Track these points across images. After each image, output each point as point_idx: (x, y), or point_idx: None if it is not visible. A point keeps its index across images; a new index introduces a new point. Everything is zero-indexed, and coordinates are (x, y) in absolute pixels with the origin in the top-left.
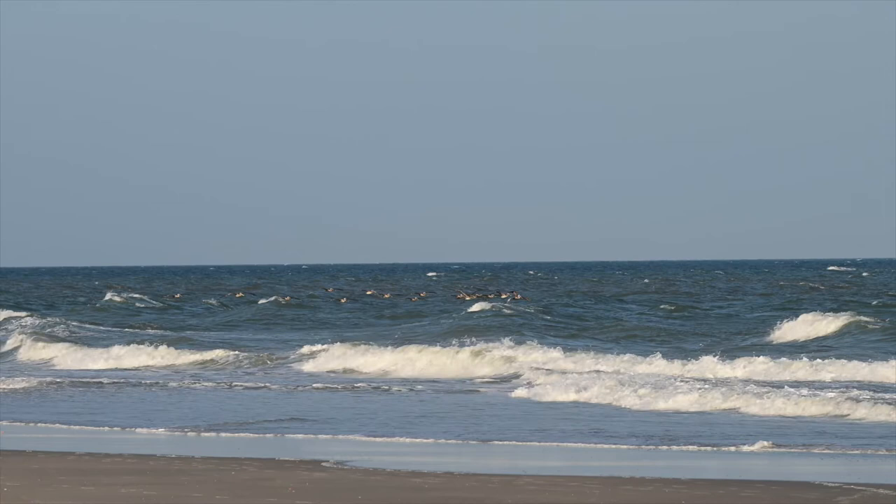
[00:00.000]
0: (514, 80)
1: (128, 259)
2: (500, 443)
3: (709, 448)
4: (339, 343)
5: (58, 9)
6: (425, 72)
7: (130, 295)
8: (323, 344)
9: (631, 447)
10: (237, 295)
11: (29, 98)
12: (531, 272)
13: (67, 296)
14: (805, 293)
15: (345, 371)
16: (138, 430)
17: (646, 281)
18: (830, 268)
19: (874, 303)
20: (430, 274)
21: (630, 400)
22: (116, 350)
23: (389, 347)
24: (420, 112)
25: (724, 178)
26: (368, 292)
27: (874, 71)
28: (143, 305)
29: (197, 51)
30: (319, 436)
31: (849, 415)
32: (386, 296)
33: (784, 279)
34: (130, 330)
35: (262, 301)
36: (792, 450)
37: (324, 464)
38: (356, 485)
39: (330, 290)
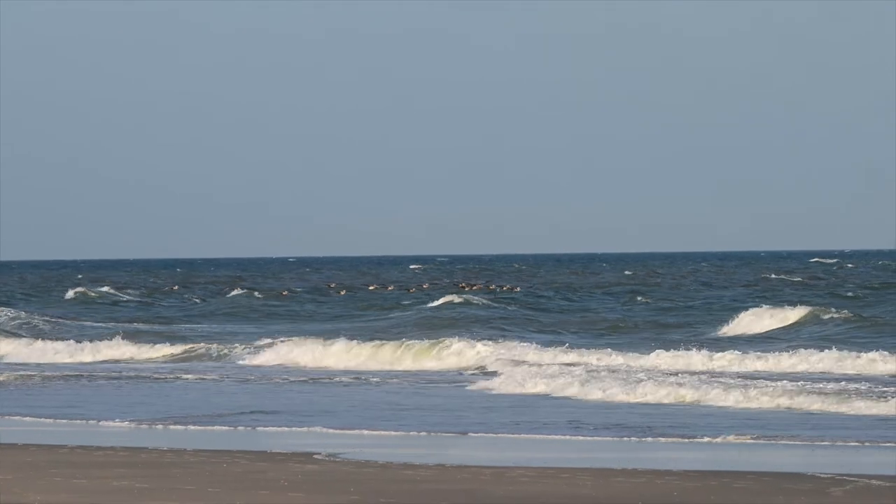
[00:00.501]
0: (515, 80)
1: (121, 253)
2: (484, 435)
3: (695, 440)
4: (303, 336)
5: (52, 7)
6: (425, 71)
7: (105, 290)
8: (293, 336)
9: (614, 438)
10: (235, 290)
11: (23, 95)
12: (516, 265)
13: (52, 288)
14: (787, 286)
15: (295, 365)
16: (105, 422)
17: (627, 273)
18: (814, 259)
19: (849, 294)
20: (412, 266)
21: (600, 392)
22: (65, 345)
23: (354, 340)
24: (418, 111)
25: (718, 173)
26: (371, 287)
27: (873, 66)
28: (121, 299)
29: (193, 48)
30: (313, 428)
31: (823, 406)
32: (389, 288)
33: (766, 271)
34: (108, 324)
35: (233, 293)
36: (776, 441)
37: (315, 456)
38: (348, 477)
39: (332, 286)
